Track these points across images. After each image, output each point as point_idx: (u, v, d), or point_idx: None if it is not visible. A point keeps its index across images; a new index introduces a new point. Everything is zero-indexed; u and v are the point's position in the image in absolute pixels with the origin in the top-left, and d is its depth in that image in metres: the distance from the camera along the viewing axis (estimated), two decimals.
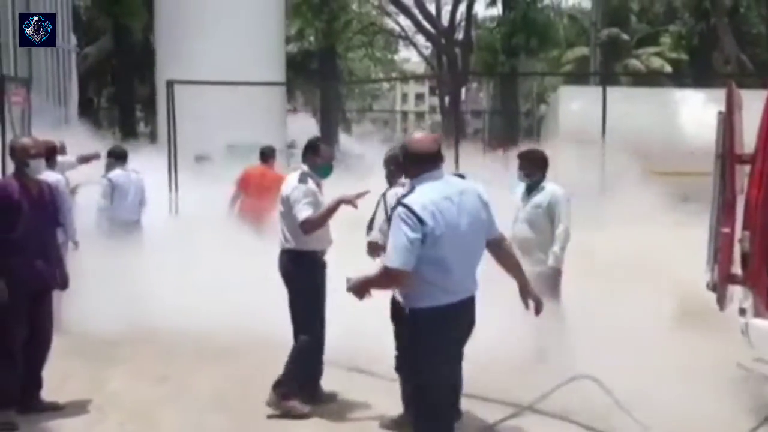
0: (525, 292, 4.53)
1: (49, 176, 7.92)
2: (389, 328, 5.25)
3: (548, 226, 6.73)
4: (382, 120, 69.67)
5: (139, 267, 7.40)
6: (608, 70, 30.28)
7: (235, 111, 15.96)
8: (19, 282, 5.69)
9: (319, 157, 6.01)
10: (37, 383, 6.03)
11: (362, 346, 6.45)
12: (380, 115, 69.57)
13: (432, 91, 71.90)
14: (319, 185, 5.95)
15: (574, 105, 15.44)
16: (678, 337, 6.56)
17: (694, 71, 29.80)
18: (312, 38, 35.57)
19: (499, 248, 4.44)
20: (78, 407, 6.11)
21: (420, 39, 44.75)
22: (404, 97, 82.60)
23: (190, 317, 6.79)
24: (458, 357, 4.38)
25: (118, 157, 9.66)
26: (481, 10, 65.75)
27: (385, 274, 4.08)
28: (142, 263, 7.45)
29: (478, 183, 4.45)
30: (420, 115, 72.61)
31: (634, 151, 10.38)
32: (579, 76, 27.19)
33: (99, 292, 7.48)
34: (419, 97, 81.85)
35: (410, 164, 4.25)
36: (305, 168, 5.97)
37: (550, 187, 6.77)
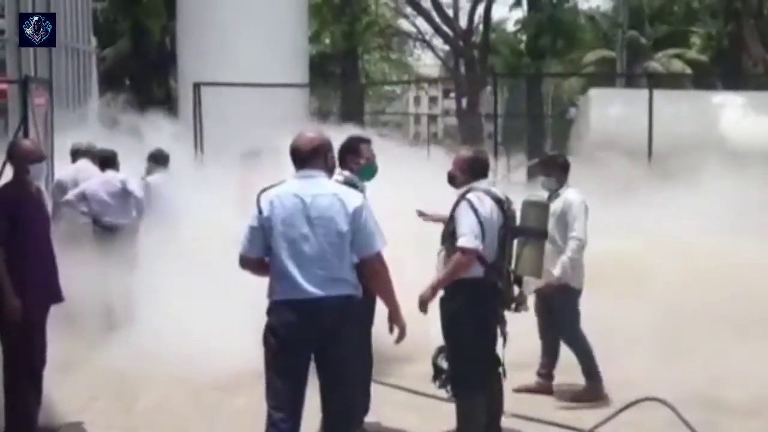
0: (391, 318, 4.46)
1: (116, 176, 8.51)
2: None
3: (563, 237, 6.14)
4: (395, 123, 69.37)
5: (179, 278, 7.02)
6: (629, 72, 29.81)
7: (259, 113, 15.60)
8: (40, 298, 5.16)
9: (361, 158, 5.36)
10: None
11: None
12: (393, 118, 69.27)
13: (446, 94, 71.37)
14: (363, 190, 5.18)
15: (608, 108, 14.97)
16: (747, 352, 6.18)
17: (723, 72, 29.24)
18: (328, 41, 35.24)
19: (366, 269, 4.30)
20: (107, 427, 5.74)
21: (435, 42, 44.28)
22: (417, 99, 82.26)
23: (227, 334, 6.41)
24: (286, 368, 4.20)
25: (158, 161, 9.33)
26: (497, 12, 65.44)
27: None
28: (180, 274, 7.08)
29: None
30: (433, 118, 72.21)
31: (679, 158, 9.91)
32: (605, 78, 26.64)
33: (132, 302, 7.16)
34: (432, 100, 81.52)
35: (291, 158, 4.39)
36: (347, 174, 5.24)
37: (565, 194, 6.24)
